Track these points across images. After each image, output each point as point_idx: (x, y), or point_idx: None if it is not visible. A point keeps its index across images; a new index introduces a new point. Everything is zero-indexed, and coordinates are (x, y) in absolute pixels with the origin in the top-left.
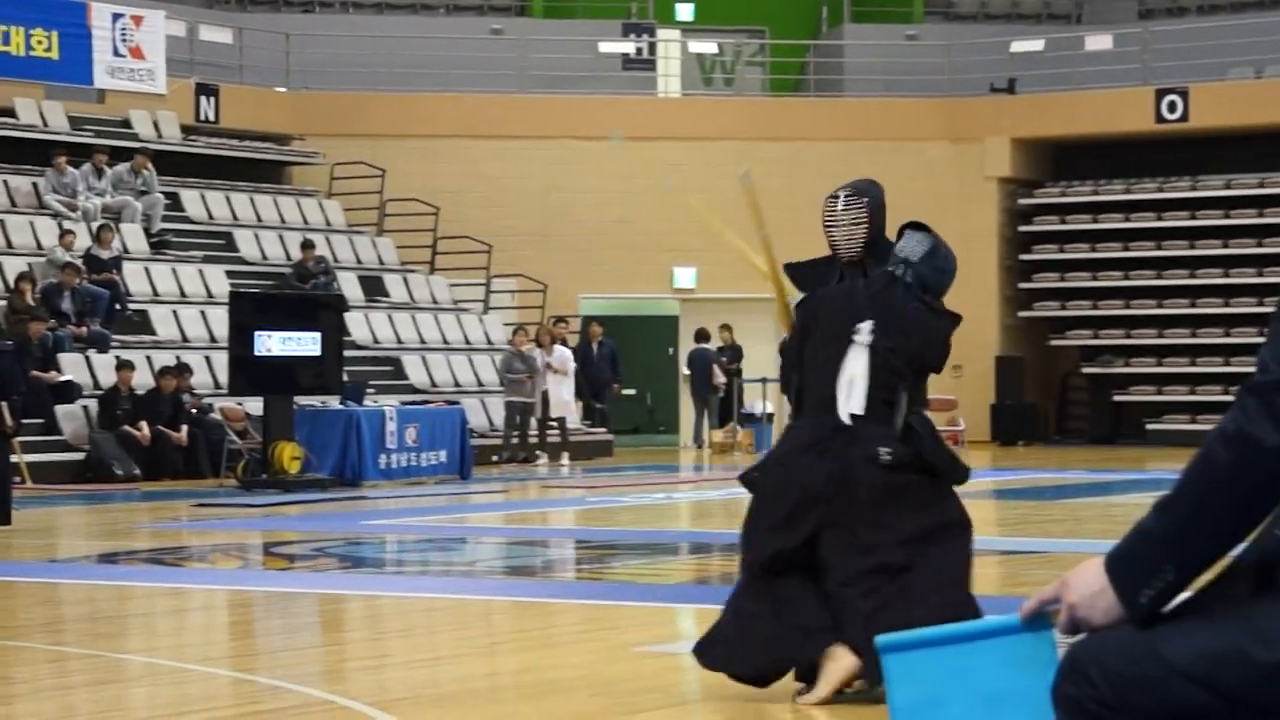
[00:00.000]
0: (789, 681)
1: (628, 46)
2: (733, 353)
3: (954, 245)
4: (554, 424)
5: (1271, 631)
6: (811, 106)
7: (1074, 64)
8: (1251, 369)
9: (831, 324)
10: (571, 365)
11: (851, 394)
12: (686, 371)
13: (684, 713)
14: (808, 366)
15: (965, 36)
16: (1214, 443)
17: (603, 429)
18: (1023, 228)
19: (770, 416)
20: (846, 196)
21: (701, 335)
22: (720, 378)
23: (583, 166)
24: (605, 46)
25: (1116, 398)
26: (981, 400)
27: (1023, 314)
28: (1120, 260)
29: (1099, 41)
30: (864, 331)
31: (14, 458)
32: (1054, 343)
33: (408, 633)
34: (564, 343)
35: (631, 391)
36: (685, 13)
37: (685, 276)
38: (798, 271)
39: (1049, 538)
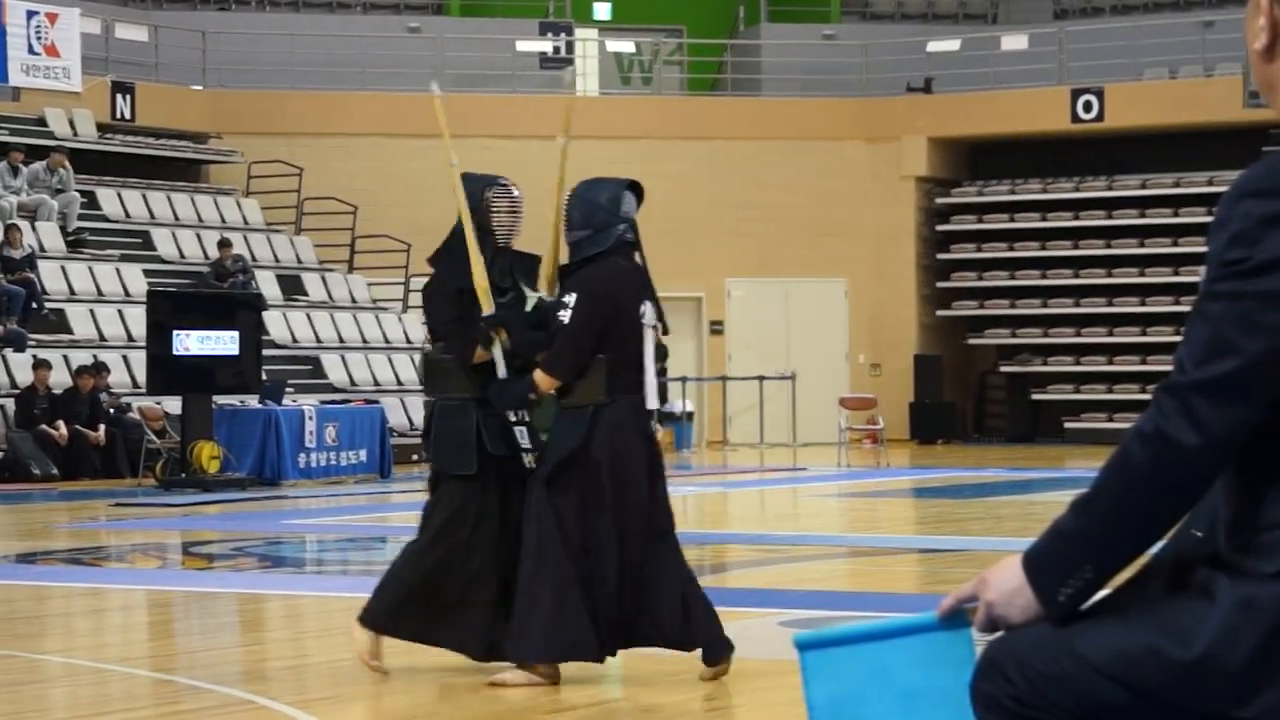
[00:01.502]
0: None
1: (545, 45)
2: (658, 351)
3: (872, 244)
4: None
5: (1188, 630)
6: (729, 105)
7: (990, 64)
8: (1168, 368)
9: (628, 306)
10: None
11: (649, 378)
12: None
13: (603, 712)
14: (613, 346)
15: (882, 36)
16: (1131, 442)
17: None
18: (940, 227)
19: (691, 415)
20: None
21: None
22: None
23: (500, 165)
24: (523, 45)
25: (1035, 396)
26: (900, 398)
27: (941, 313)
28: (1037, 259)
29: (1015, 41)
30: (649, 315)
31: None
32: (972, 341)
33: (328, 632)
34: None
35: None
36: (603, 11)
37: None
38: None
39: (967, 536)
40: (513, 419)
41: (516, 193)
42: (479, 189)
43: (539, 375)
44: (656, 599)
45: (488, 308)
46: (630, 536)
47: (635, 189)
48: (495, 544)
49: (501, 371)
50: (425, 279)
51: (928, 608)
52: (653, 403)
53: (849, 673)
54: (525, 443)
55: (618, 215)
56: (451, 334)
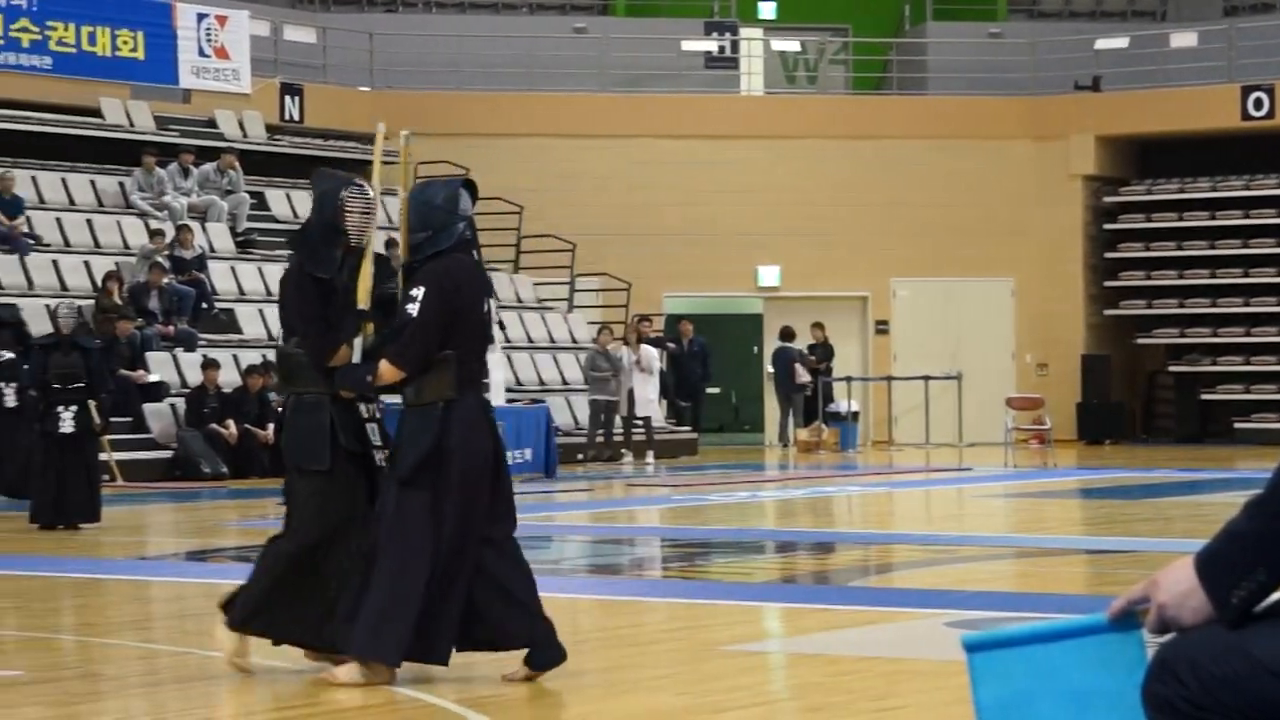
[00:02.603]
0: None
1: (710, 45)
2: (823, 351)
3: (1039, 244)
4: (639, 422)
5: None
6: (894, 105)
7: (1159, 61)
8: None
9: (476, 302)
10: (657, 364)
11: (492, 375)
12: (771, 369)
13: (771, 711)
14: (461, 341)
15: (1049, 34)
16: None
17: (687, 428)
18: (1108, 226)
19: (856, 415)
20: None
21: (786, 334)
22: (804, 376)
23: (666, 165)
24: (688, 45)
25: (1204, 396)
26: (1067, 399)
27: (1108, 312)
28: (1207, 258)
29: (1184, 38)
30: (493, 310)
31: (103, 456)
32: (1140, 341)
33: None
34: (650, 341)
35: (716, 390)
36: (768, 11)
37: (769, 275)
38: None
39: (1135, 537)
40: (365, 416)
41: (370, 195)
42: (335, 188)
43: (384, 366)
44: (501, 599)
45: (365, 304)
46: (476, 535)
47: (470, 187)
48: (352, 540)
49: (357, 358)
50: (281, 272)
51: (1096, 609)
52: (497, 400)
53: (1017, 674)
54: (376, 440)
55: (456, 214)
56: (309, 333)
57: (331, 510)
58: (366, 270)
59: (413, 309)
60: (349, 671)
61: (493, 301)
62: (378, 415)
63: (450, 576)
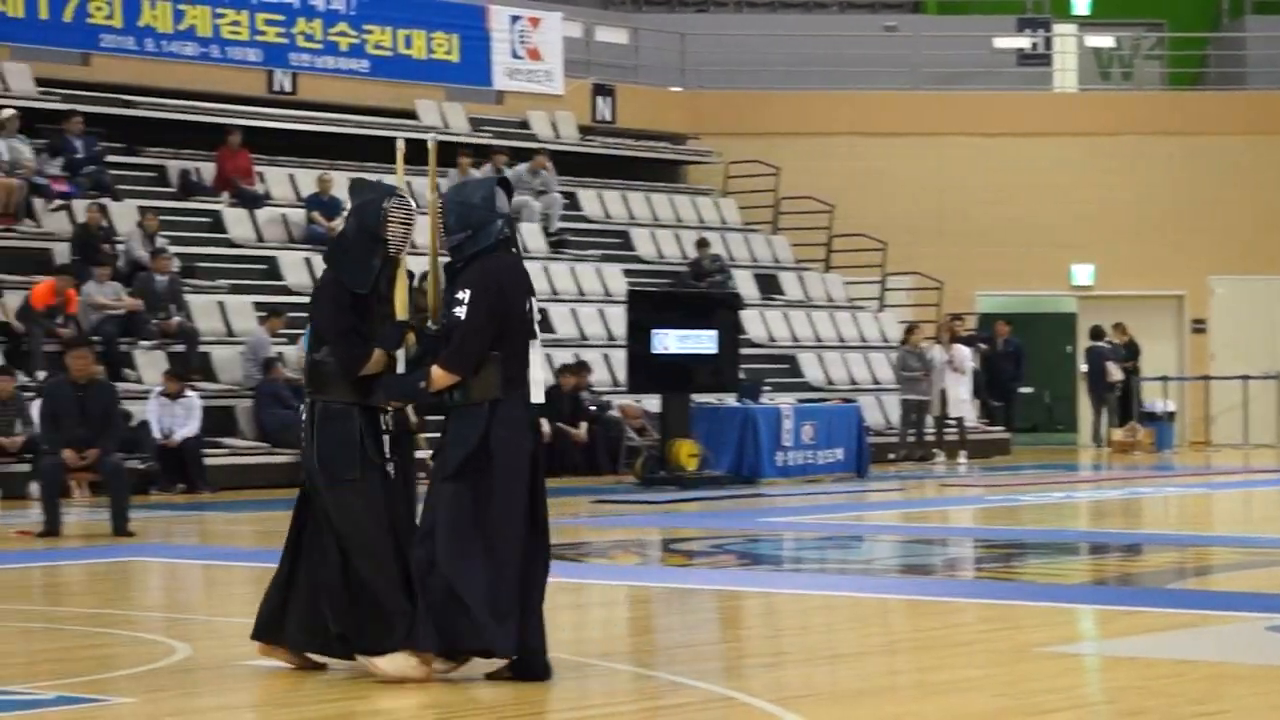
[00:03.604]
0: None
1: (1023, 41)
2: (1127, 350)
3: None
4: (951, 422)
5: None
6: (1212, 100)
7: None
8: None
9: (518, 301)
10: (970, 363)
11: (534, 373)
12: (1084, 369)
13: (1089, 714)
14: (505, 341)
15: None
16: None
17: (1000, 427)
18: None
19: (1171, 415)
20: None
21: (1096, 333)
22: (1116, 374)
23: (977, 163)
24: (1000, 42)
25: None
26: None
27: None
28: None
29: None
30: (534, 310)
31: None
32: None
33: (806, 630)
34: (963, 340)
35: (1029, 390)
36: (1081, 6)
37: (1083, 274)
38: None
39: None
40: (382, 427)
41: (413, 206)
42: (378, 198)
43: (437, 371)
44: (536, 597)
45: (404, 315)
46: (519, 533)
47: (505, 185)
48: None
49: (401, 369)
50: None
51: None
52: (538, 397)
53: None
54: (387, 453)
55: (494, 212)
56: (340, 343)
57: (372, 513)
58: (403, 281)
59: (461, 312)
60: (398, 664)
61: (533, 299)
62: (390, 427)
63: (503, 574)
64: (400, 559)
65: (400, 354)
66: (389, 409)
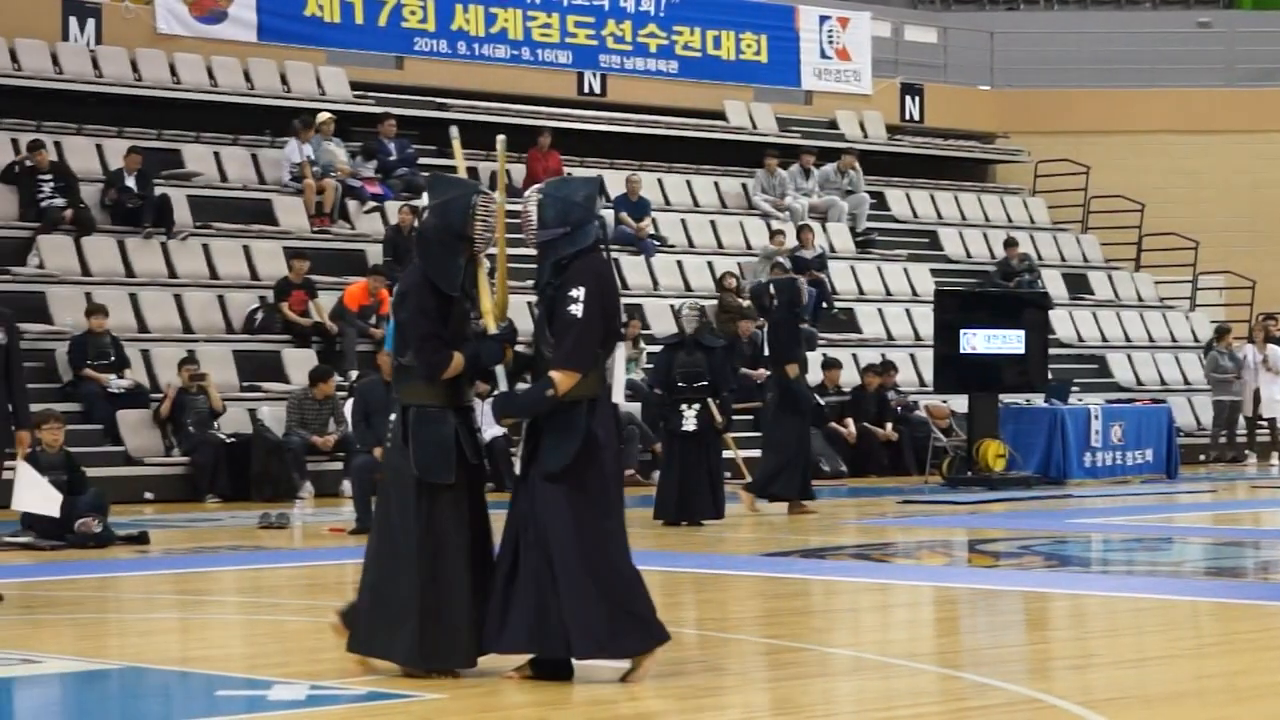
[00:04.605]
0: None
1: None
2: None
3: None
4: (1264, 423)
5: None
6: None
7: None
8: None
9: (617, 302)
10: None
11: (617, 372)
12: None
13: None
14: (608, 342)
15: None
16: None
17: None
18: None
19: None
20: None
21: None
22: None
23: None
24: None
25: None
26: None
27: None
28: None
29: None
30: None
31: (728, 454)
32: None
33: (1114, 633)
34: (1276, 341)
35: None
36: None
37: None
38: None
39: None
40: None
41: (497, 202)
42: (466, 194)
43: (560, 375)
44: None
45: (492, 327)
46: (623, 527)
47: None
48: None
49: (503, 385)
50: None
51: None
52: (618, 397)
53: None
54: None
55: (593, 212)
56: (422, 348)
57: (457, 518)
58: (485, 289)
59: (577, 310)
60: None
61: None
62: (480, 428)
63: (617, 571)
64: (478, 565)
65: (500, 370)
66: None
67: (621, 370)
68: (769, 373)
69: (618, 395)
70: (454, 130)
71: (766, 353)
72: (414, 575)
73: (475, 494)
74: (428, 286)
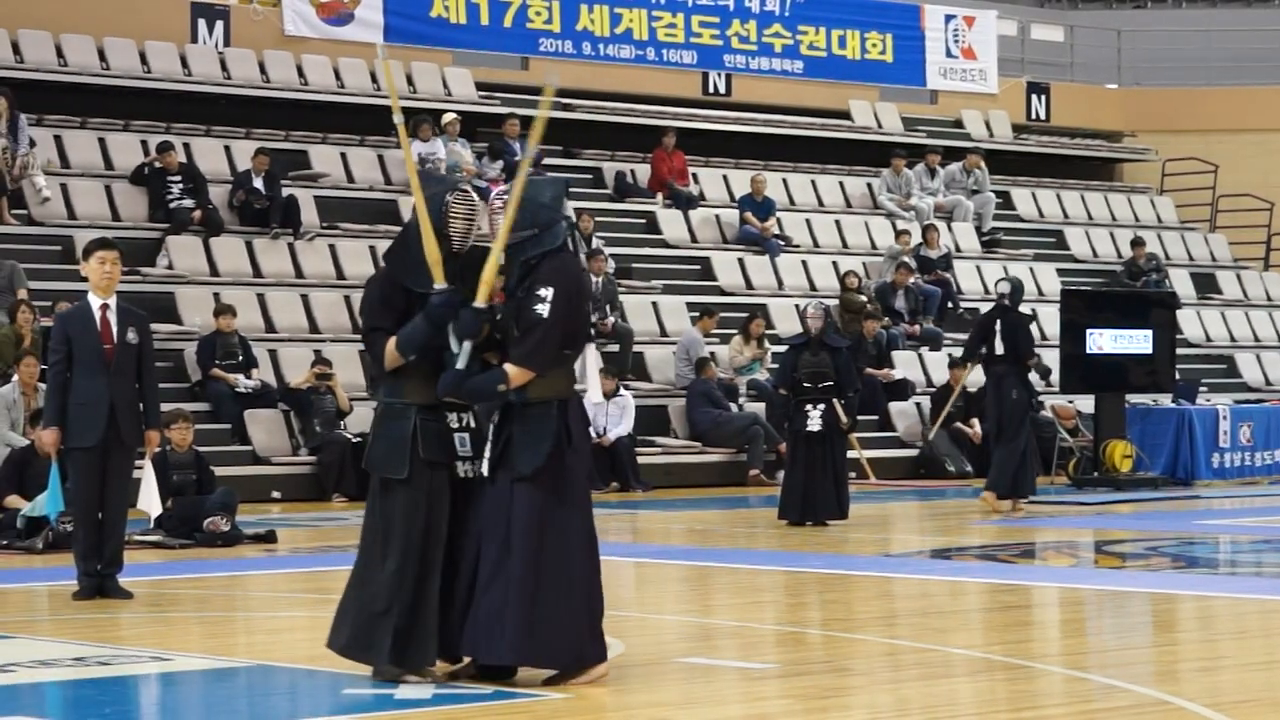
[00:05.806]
0: None
1: None
2: None
3: None
4: None
5: None
6: None
7: None
8: None
9: (586, 303)
10: None
11: (591, 372)
12: None
13: None
14: (577, 342)
15: None
16: None
17: None
18: None
19: None
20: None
21: None
22: None
23: None
24: None
25: None
26: None
27: None
28: None
29: None
30: (590, 311)
31: (852, 454)
32: None
33: (1242, 635)
34: None
35: None
36: None
37: None
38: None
39: None
40: (455, 425)
41: (476, 200)
42: (440, 192)
43: (514, 370)
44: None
45: (481, 300)
46: (590, 533)
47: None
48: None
49: (461, 365)
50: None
51: None
52: (596, 397)
53: None
54: (466, 450)
55: (560, 213)
56: (371, 339)
57: (419, 518)
58: (493, 264)
59: (542, 310)
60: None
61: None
62: (470, 424)
63: (584, 576)
64: (430, 561)
65: (467, 345)
66: (461, 408)
67: (595, 369)
68: (999, 371)
69: (595, 394)
70: (381, 50)
71: (1000, 350)
72: (366, 571)
73: (438, 491)
74: (389, 281)
